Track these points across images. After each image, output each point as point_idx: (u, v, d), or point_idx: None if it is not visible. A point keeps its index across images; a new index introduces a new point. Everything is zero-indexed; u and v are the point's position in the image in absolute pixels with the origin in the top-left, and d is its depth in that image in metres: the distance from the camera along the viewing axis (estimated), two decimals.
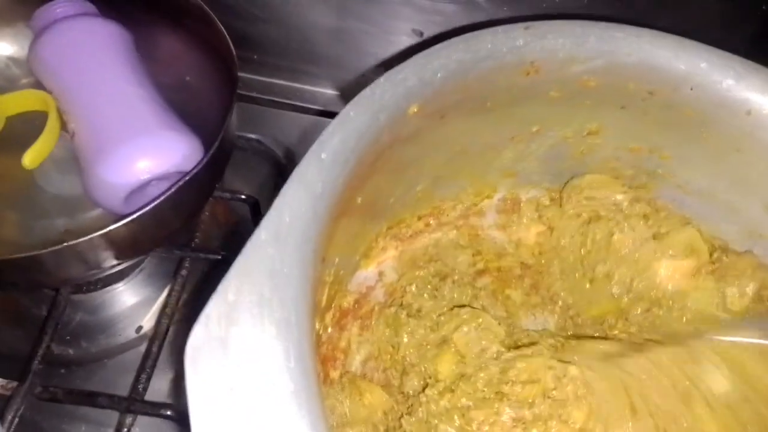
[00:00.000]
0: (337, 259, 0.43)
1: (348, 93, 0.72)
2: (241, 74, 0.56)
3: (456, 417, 0.39)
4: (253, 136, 0.66)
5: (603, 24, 0.42)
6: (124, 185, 0.50)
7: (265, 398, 0.26)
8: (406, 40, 0.66)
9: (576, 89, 0.43)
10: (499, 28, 0.41)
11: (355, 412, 0.41)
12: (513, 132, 0.47)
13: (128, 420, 0.51)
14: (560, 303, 0.50)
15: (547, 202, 0.52)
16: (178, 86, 0.58)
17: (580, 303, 0.49)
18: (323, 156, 0.35)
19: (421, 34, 0.66)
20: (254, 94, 0.71)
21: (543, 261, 0.51)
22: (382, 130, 0.37)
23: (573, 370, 0.41)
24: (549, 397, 0.40)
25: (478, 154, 0.48)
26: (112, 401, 0.51)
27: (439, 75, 0.39)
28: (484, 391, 0.41)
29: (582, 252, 0.49)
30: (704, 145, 0.44)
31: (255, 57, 0.70)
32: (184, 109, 0.55)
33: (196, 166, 0.48)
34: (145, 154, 0.50)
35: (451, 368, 0.42)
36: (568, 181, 0.51)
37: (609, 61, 0.42)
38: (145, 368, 0.52)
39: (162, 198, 0.46)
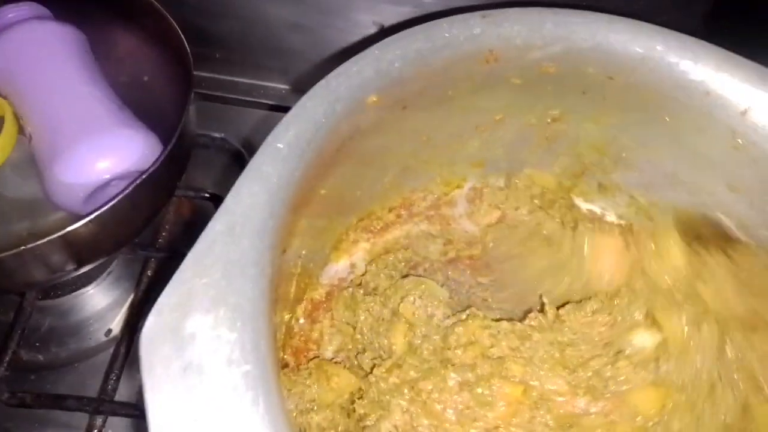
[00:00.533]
0: (303, 252, 0.43)
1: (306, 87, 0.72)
2: (204, 73, 0.56)
3: (406, 390, 0.39)
4: (217, 134, 0.66)
5: (559, 10, 0.43)
6: (82, 186, 0.50)
7: (220, 383, 0.27)
8: (368, 33, 0.66)
9: (537, 76, 0.43)
10: (457, 17, 0.42)
11: (323, 395, 0.41)
12: (477, 121, 0.48)
13: (98, 421, 0.50)
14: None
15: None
16: (136, 85, 0.58)
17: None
18: (279, 146, 0.35)
19: (382, 26, 0.66)
20: (218, 93, 0.71)
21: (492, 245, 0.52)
22: (339, 120, 0.37)
23: (505, 325, 0.42)
24: (488, 357, 0.41)
25: (444, 144, 0.49)
26: (80, 403, 0.51)
27: (396, 65, 0.40)
28: (429, 360, 0.41)
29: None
30: (666, 127, 0.45)
31: (217, 55, 0.70)
32: (142, 108, 0.55)
33: (153, 164, 0.48)
34: (103, 154, 0.50)
35: (403, 340, 0.42)
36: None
37: (566, 46, 0.42)
38: (114, 369, 0.52)
39: (120, 197, 0.46)
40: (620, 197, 0.51)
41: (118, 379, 0.52)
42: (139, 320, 0.55)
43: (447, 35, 0.41)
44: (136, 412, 0.50)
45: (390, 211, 0.51)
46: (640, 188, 0.50)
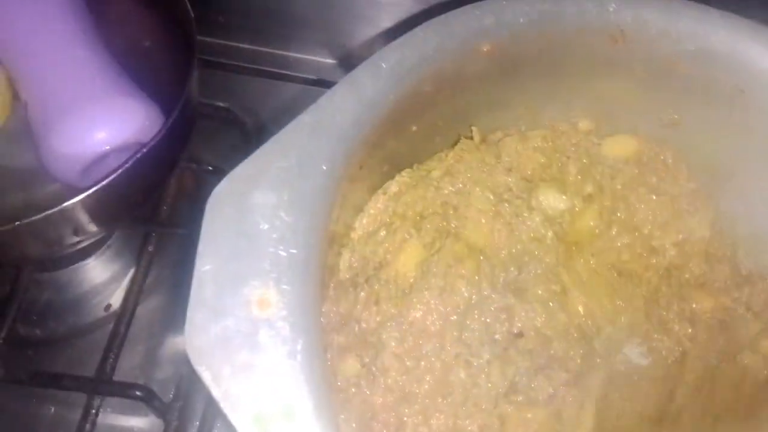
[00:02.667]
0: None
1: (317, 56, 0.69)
2: (207, 39, 0.53)
3: None
4: (221, 104, 0.62)
5: (702, 6, 0.40)
6: (79, 157, 0.47)
7: (265, 255, 0.29)
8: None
9: (663, 71, 0.41)
10: None
11: None
12: (585, 105, 0.46)
13: (96, 401, 0.49)
14: None
15: None
16: (136, 51, 0.54)
17: None
18: (382, 65, 0.35)
19: None
20: (222, 60, 0.67)
21: None
22: (446, 59, 0.38)
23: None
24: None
25: (543, 121, 0.46)
26: (78, 383, 0.50)
27: (521, 20, 0.38)
28: None
29: None
30: None
31: (220, 19, 0.67)
32: (143, 75, 0.52)
33: (155, 137, 0.45)
34: (101, 124, 0.47)
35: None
36: None
37: (701, 46, 0.40)
38: (113, 348, 0.51)
39: (119, 171, 0.44)
40: None
41: (117, 357, 0.51)
42: (139, 296, 0.54)
43: (579, 4, 0.39)
44: (135, 392, 0.48)
45: None
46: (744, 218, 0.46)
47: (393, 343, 0.36)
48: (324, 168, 0.32)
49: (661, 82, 0.42)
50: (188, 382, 0.49)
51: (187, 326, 0.27)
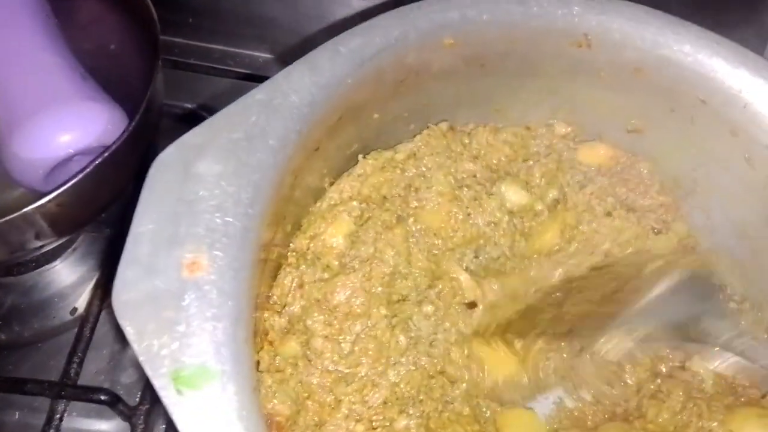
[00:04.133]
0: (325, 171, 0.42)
1: (287, 57, 0.69)
2: (176, 39, 0.53)
3: None
4: (188, 105, 0.63)
5: (667, 16, 0.41)
6: (42, 161, 0.47)
7: (203, 220, 0.29)
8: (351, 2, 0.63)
9: (627, 77, 0.42)
10: None
11: None
12: (555, 105, 0.46)
13: (60, 406, 0.49)
14: None
15: None
16: (101, 54, 0.55)
17: None
18: (341, 49, 0.36)
19: None
20: (191, 60, 0.67)
21: None
22: (409, 50, 0.38)
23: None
24: None
25: (515, 119, 0.47)
26: (41, 387, 0.49)
27: (485, 16, 0.39)
28: None
29: None
30: (753, 177, 0.42)
31: (190, 20, 0.67)
32: (108, 78, 0.52)
33: (116, 140, 0.45)
34: (64, 127, 0.47)
35: None
36: None
37: (664, 56, 0.40)
38: (77, 351, 0.50)
39: (81, 175, 0.44)
40: None
41: (82, 362, 0.50)
42: (105, 300, 0.53)
43: (544, 4, 0.40)
44: (99, 396, 0.48)
45: None
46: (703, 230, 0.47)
47: (319, 327, 0.37)
48: (272, 144, 0.32)
49: (625, 88, 0.43)
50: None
51: (116, 281, 0.27)
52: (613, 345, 0.40)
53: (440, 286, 0.39)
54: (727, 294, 0.45)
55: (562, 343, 0.40)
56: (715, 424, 0.38)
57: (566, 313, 0.42)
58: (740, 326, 0.42)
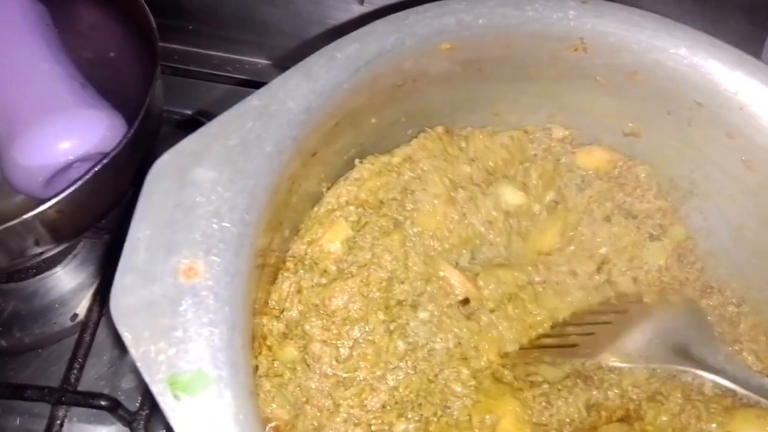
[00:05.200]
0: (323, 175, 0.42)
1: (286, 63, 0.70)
2: (175, 46, 0.53)
3: None
4: (187, 111, 0.63)
5: (663, 19, 0.41)
6: (42, 168, 0.48)
7: (199, 226, 0.29)
8: (347, 6, 0.64)
9: (622, 80, 0.42)
10: None
11: None
12: (551, 110, 0.47)
13: (61, 412, 0.49)
14: None
15: None
16: (101, 62, 0.55)
17: None
18: (337, 55, 0.36)
19: (362, 2, 0.63)
20: (191, 67, 0.68)
21: None
22: (406, 56, 0.38)
23: None
24: None
25: (513, 123, 0.47)
26: (42, 393, 0.49)
27: (480, 21, 0.39)
28: None
29: None
30: (747, 179, 0.42)
31: (190, 27, 0.67)
32: (107, 85, 0.53)
33: (115, 147, 0.46)
34: (64, 135, 0.48)
35: None
36: None
37: (660, 59, 0.40)
38: (78, 357, 0.51)
39: (80, 182, 0.44)
40: None
41: (82, 368, 0.51)
42: (105, 306, 0.53)
43: (540, 9, 0.40)
44: (100, 402, 0.48)
45: None
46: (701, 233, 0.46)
47: (317, 332, 0.37)
48: (268, 150, 0.32)
49: (621, 91, 0.43)
50: None
51: (114, 288, 0.27)
52: (611, 363, 0.40)
53: (429, 288, 0.39)
54: (726, 297, 0.45)
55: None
56: (714, 425, 0.38)
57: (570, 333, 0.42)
58: (731, 351, 0.42)
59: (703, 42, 0.40)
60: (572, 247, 0.44)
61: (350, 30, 0.37)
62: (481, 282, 0.41)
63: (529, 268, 0.43)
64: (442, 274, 0.40)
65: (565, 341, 0.41)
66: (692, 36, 0.40)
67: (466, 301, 0.40)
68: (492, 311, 0.40)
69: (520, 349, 0.41)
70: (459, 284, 0.40)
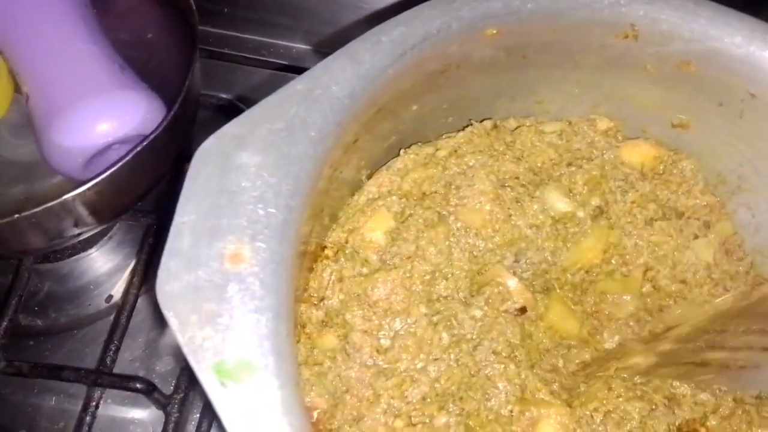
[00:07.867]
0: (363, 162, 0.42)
1: (325, 49, 0.69)
2: (211, 29, 0.53)
3: None
4: (224, 95, 0.62)
5: (718, 6, 0.39)
6: (81, 150, 0.48)
7: (243, 212, 0.29)
8: None
9: (673, 70, 0.40)
10: None
11: None
12: (595, 100, 0.45)
13: (96, 393, 0.49)
14: None
15: None
16: (138, 43, 0.55)
17: None
18: (382, 39, 0.35)
19: None
20: (226, 50, 0.67)
21: None
22: (452, 41, 0.37)
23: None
24: None
25: (555, 111, 0.46)
26: (78, 375, 0.49)
27: (529, 6, 0.38)
28: None
29: None
30: None
31: (225, 10, 0.67)
32: (145, 67, 0.52)
33: (155, 130, 0.45)
34: (103, 117, 0.48)
35: None
36: None
37: (715, 48, 0.39)
38: (113, 340, 0.51)
39: (120, 164, 0.44)
40: None
41: (118, 350, 0.51)
42: (140, 288, 0.53)
43: None
44: (135, 384, 0.48)
45: None
46: (748, 229, 0.45)
47: (358, 322, 0.36)
48: (313, 135, 0.32)
49: (671, 81, 0.42)
50: (189, 375, 0.49)
51: (160, 272, 0.27)
52: None
53: (488, 293, 0.39)
54: None
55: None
56: None
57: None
58: None
59: (760, 31, 0.39)
60: (613, 262, 0.43)
61: (386, 16, 0.36)
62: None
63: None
64: (499, 280, 0.39)
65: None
66: (749, 25, 0.39)
67: (523, 310, 0.39)
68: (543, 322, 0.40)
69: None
70: (518, 293, 0.39)
